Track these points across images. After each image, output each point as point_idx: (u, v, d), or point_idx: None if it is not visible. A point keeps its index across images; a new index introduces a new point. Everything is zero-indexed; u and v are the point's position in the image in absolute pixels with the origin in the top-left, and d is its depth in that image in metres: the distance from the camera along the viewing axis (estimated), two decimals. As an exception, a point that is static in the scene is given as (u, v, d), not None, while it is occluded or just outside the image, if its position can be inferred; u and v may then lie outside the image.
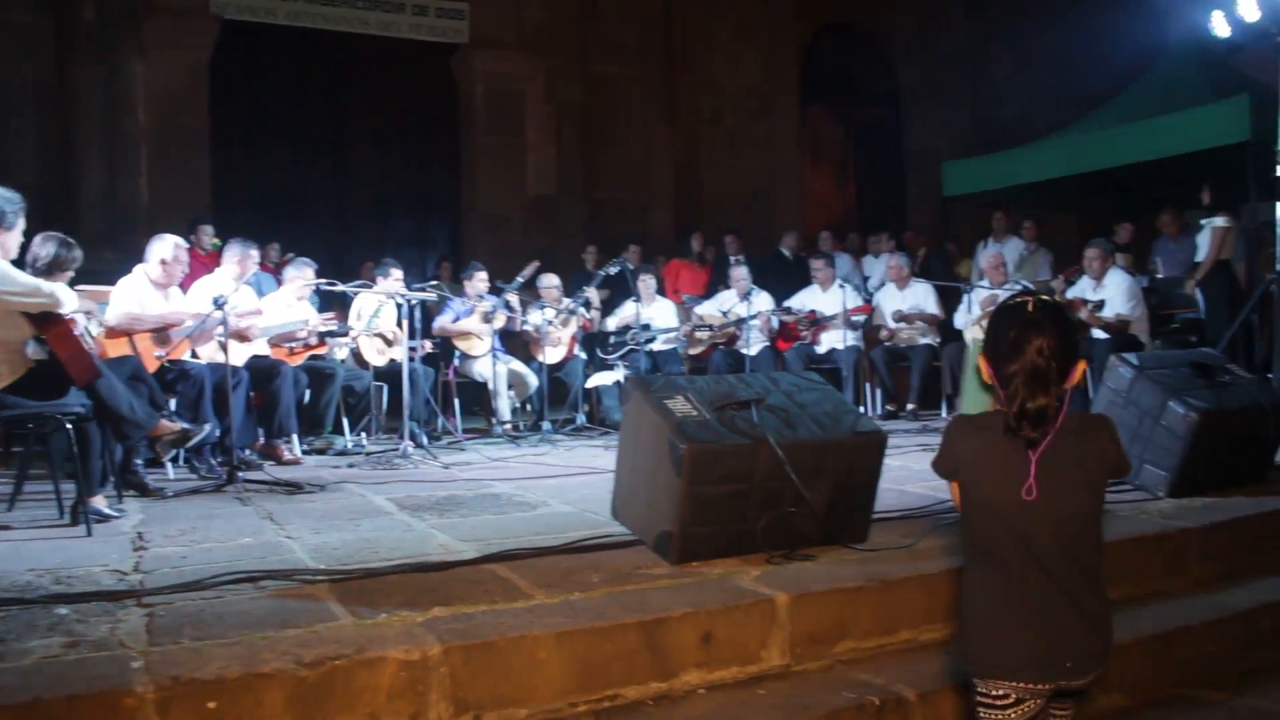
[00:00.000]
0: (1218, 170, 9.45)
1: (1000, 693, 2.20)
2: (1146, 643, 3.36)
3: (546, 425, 7.95)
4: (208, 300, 5.99)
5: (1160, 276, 10.08)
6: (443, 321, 8.50)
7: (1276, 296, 7.01)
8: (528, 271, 8.54)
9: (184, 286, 6.56)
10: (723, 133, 14.57)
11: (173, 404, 5.93)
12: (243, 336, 6.63)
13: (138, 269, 6.18)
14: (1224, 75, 10.26)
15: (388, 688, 2.54)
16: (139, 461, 5.48)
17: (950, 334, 9.36)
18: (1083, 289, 8.34)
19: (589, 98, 13.62)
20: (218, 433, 5.90)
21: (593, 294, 9.52)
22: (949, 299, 9.65)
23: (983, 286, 8.99)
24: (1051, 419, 2.16)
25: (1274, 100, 7.15)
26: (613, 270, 8.81)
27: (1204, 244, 9.47)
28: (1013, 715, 2.20)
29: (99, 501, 4.64)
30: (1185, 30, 10.80)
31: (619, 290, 9.90)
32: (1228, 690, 3.37)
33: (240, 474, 5.54)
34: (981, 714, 2.24)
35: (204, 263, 9.13)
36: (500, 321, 8.40)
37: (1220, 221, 9.21)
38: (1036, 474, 2.17)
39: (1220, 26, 8.65)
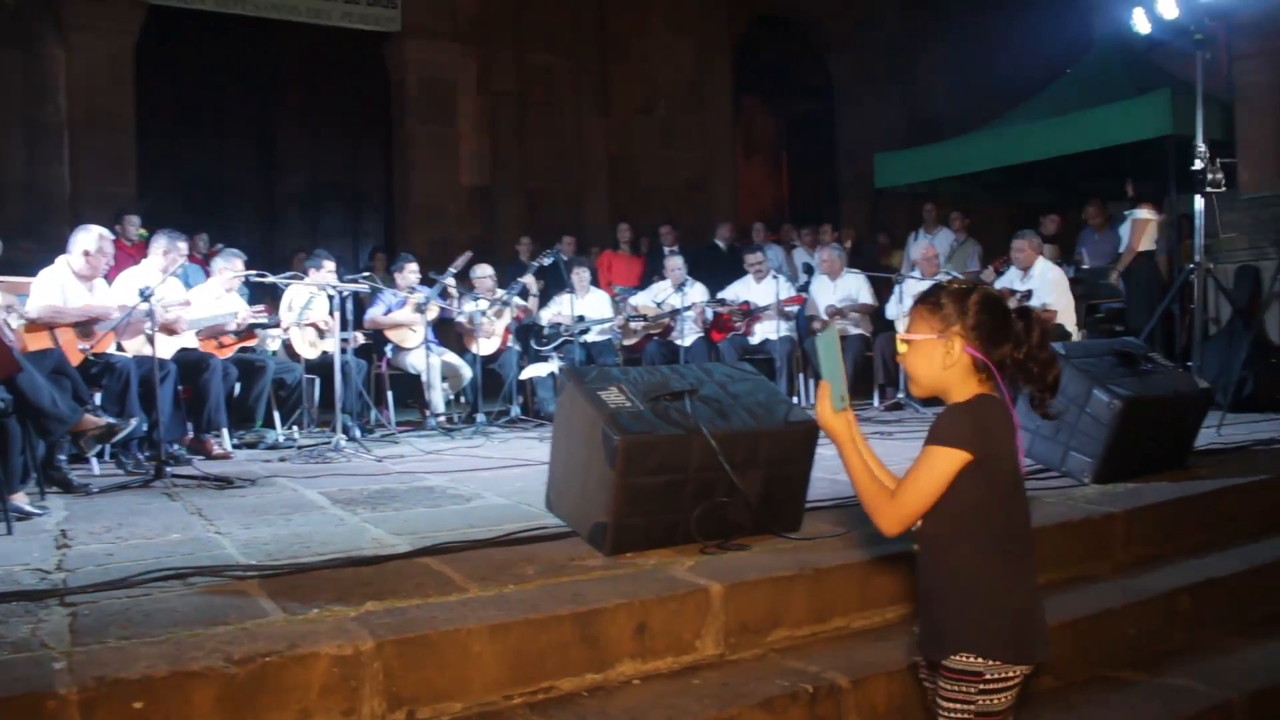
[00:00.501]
0: (1141, 163, 9.67)
1: (1014, 674, 2.22)
2: (1073, 625, 3.42)
3: (481, 417, 7.91)
4: (133, 292, 5.86)
5: (1086, 267, 10.30)
6: (374, 314, 8.42)
7: (1196, 287, 7.19)
8: (460, 261, 8.49)
9: (109, 278, 6.44)
10: (656, 123, 14.59)
11: (97, 398, 5.81)
12: (170, 329, 6.51)
13: (60, 260, 6.05)
14: (1145, 71, 10.51)
15: (320, 684, 2.51)
16: (62, 457, 5.35)
17: (883, 324, 9.47)
18: (1010, 279, 8.47)
19: (522, 88, 13.58)
20: (145, 427, 5.79)
21: (530, 280, 9.49)
22: (879, 289, 9.77)
23: (914, 277, 9.10)
24: None
25: (1193, 95, 7.33)
26: (546, 261, 8.79)
27: (1126, 236, 9.69)
28: (1013, 695, 2.24)
29: (20, 499, 4.53)
30: (1109, 26, 11.03)
31: (553, 281, 9.88)
32: (1148, 670, 3.45)
33: (168, 469, 5.43)
34: (981, 701, 2.22)
35: (130, 253, 8.96)
36: (433, 313, 8.33)
37: (1140, 214, 9.43)
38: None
39: (1141, 23, 8.84)
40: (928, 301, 2.32)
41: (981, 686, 2.22)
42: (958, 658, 2.24)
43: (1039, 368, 2.23)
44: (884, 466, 2.36)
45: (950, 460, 2.19)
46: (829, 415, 2.32)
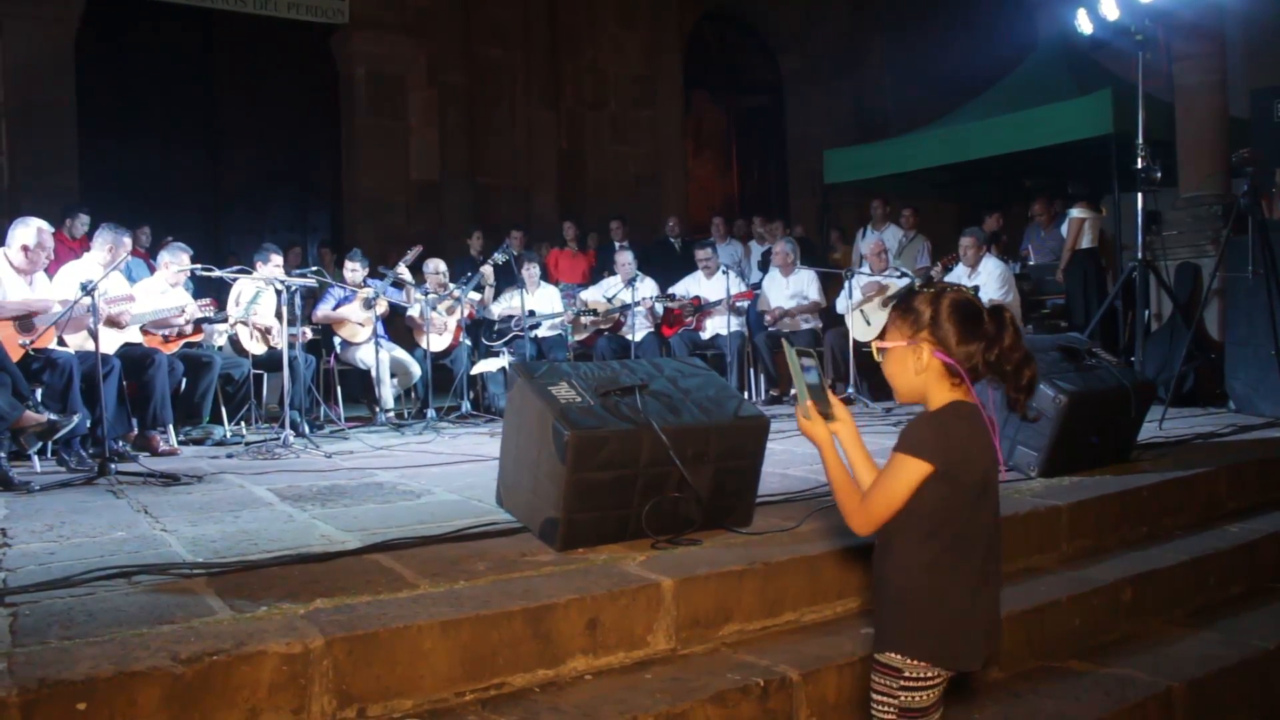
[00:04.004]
0: (1087, 161, 9.81)
1: (934, 675, 2.24)
2: (1019, 617, 3.46)
3: (431, 413, 7.87)
4: (75, 286, 5.75)
5: (1032, 263, 10.44)
6: (324, 309, 8.35)
7: (1138, 283, 7.30)
8: (411, 255, 8.45)
9: (50, 271, 6.32)
10: (606, 118, 14.59)
11: (38, 394, 5.70)
12: (114, 323, 6.41)
13: (-2, 253, 5.93)
14: (1088, 70, 10.67)
15: (268, 682, 2.49)
16: (2, 454, 5.24)
17: (833, 319, 9.53)
18: (958, 276, 8.58)
19: (472, 82, 13.50)
20: (88, 423, 5.70)
21: (487, 270, 9.46)
22: (830, 284, 9.84)
23: (863, 273, 9.18)
24: None
25: (1135, 95, 7.44)
26: (499, 258, 8.76)
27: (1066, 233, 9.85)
28: (935, 693, 2.25)
29: (-41, 497, 4.45)
30: (1053, 26, 11.17)
31: (504, 277, 9.86)
32: (1093, 660, 3.51)
33: (113, 466, 5.33)
34: (903, 696, 2.24)
35: (72, 247, 8.80)
36: (382, 307, 8.27)
37: (1076, 212, 9.57)
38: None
39: (1084, 24, 8.97)
40: (900, 308, 2.31)
41: (902, 683, 2.25)
42: (885, 654, 2.27)
43: (1012, 368, 2.22)
44: (871, 460, 2.38)
45: (914, 469, 2.20)
46: (803, 424, 2.37)
